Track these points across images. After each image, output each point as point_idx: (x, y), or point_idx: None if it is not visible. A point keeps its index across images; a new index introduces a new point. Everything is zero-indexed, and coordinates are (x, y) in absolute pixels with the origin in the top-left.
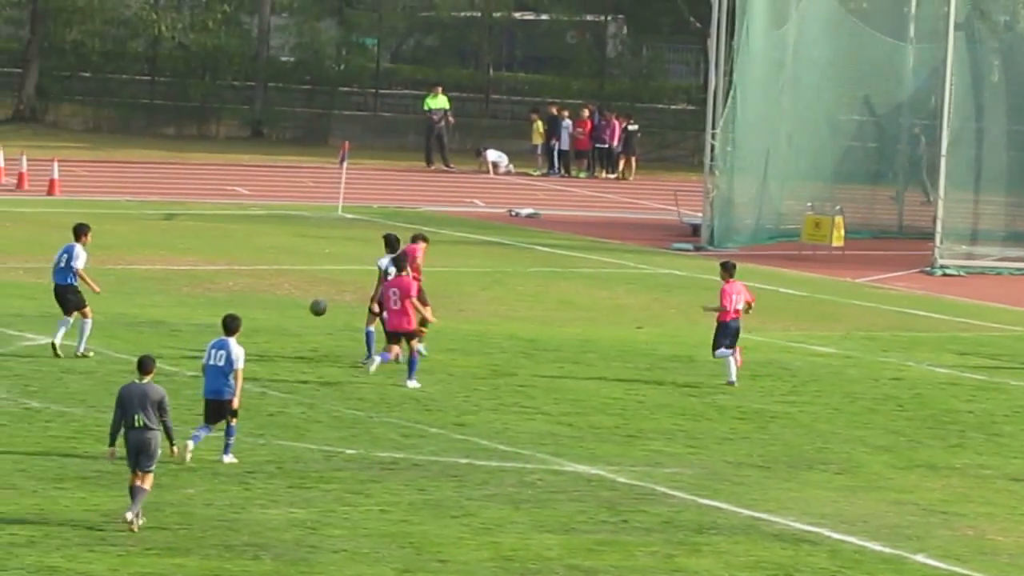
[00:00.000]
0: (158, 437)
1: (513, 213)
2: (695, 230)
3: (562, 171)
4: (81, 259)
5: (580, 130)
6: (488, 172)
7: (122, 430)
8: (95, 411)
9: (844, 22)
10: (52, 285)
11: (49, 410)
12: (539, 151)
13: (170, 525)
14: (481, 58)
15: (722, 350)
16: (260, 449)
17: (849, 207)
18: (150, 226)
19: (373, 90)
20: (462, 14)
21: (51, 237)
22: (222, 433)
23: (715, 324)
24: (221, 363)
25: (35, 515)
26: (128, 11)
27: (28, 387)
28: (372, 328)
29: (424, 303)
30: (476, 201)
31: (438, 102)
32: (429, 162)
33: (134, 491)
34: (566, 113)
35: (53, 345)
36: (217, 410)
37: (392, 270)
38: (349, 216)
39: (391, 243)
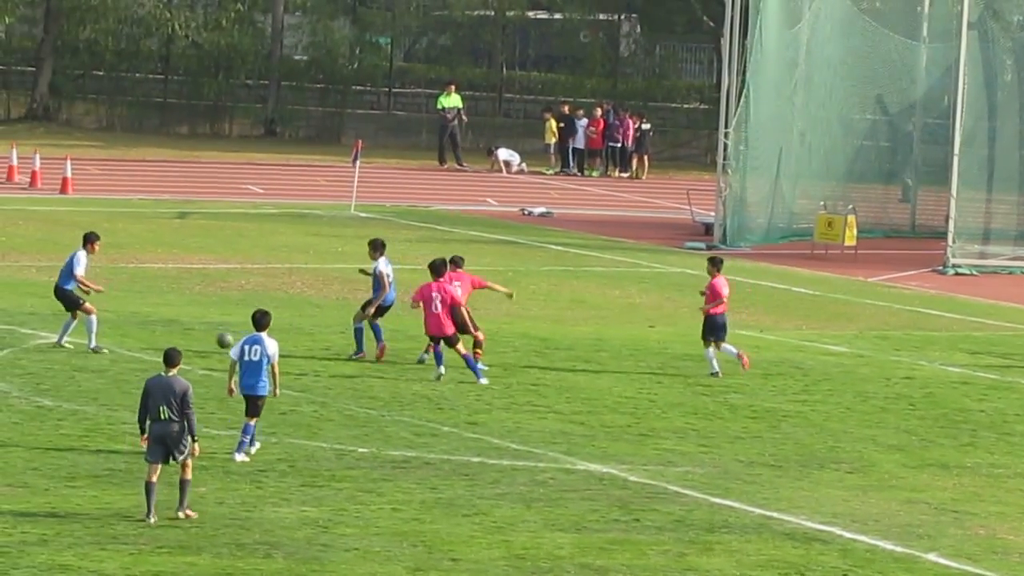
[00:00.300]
0: (183, 428)
1: (526, 212)
2: (708, 229)
3: (576, 170)
4: (82, 266)
5: (593, 129)
6: (501, 171)
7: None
8: (107, 409)
9: (857, 21)
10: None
11: (61, 408)
12: (552, 150)
13: (182, 523)
14: (494, 57)
15: (710, 351)
16: (272, 447)
17: (862, 206)
18: (163, 225)
19: (386, 89)
20: (476, 13)
21: (64, 236)
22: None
23: (704, 318)
24: (257, 358)
25: (47, 513)
26: (142, 10)
27: (40, 385)
28: (362, 324)
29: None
30: (489, 200)
31: (451, 101)
32: (442, 161)
33: (181, 485)
34: (580, 112)
35: (61, 345)
36: (252, 404)
37: (391, 272)
38: (362, 215)
39: (381, 246)
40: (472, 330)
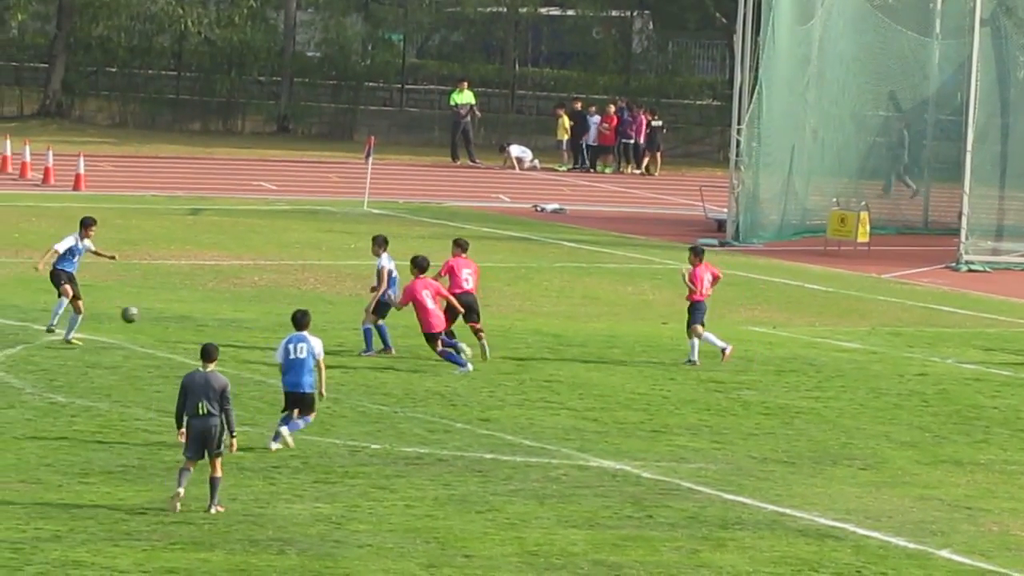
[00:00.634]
0: (222, 424)
1: (538, 208)
2: (720, 226)
3: (589, 166)
4: (63, 243)
5: (606, 125)
6: (513, 167)
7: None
8: (120, 406)
9: (870, 17)
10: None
11: (74, 404)
12: (564, 146)
13: (195, 520)
14: (507, 53)
15: (694, 340)
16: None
17: (874, 203)
18: (176, 221)
19: (399, 85)
20: (488, 9)
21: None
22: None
23: (688, 304)
24: (303, 355)
25: (60, 509)
26: (154, 6)
27: (53, 381)
28: (370, 325)
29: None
30: (502, 196)
31: (464, 97)
32: (455, 157)
33: (211, 483)
34: (592, 108)
35: (52, 330)
36: (297, 402)
37: (393, 268)
38: (375, 211)
39: (384, 242)
40: (461, 308)
